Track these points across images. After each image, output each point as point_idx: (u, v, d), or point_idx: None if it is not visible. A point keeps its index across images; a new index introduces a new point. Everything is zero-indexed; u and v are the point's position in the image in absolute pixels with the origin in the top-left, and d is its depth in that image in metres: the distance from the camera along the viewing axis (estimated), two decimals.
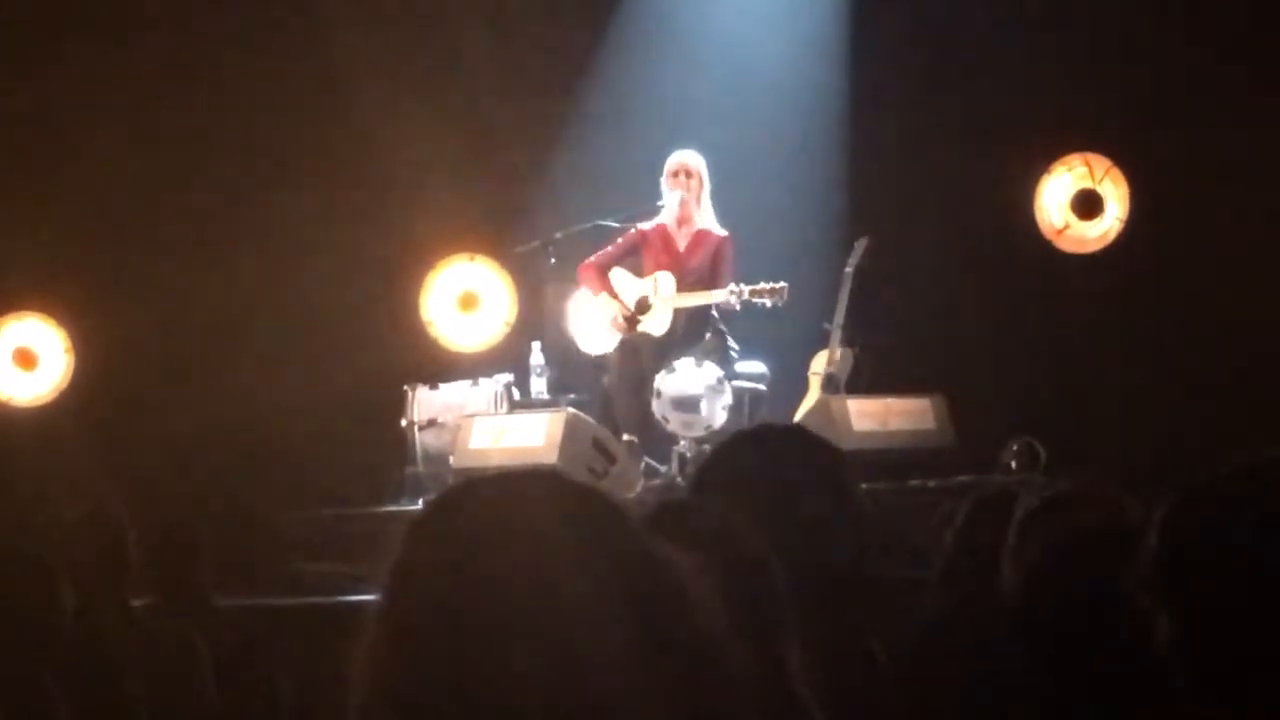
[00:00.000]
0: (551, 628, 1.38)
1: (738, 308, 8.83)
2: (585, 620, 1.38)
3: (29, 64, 9.93)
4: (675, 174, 9.06)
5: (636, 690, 1.38)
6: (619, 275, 9.26)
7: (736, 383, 8.93)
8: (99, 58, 9.86)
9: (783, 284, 8.70)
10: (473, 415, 8.93)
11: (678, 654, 1.42)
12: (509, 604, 1.39)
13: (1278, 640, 1.96)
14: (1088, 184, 10.18)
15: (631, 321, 9.15)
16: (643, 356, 8.91)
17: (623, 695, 1.37)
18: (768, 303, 8.71)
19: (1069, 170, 10.21)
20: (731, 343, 9.09)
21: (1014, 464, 8.84)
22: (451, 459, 8.77)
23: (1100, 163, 10.15)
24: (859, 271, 9.31)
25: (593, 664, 1.37)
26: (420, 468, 9.07)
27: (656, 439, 8.80)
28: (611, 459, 8.54)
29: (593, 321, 9.26)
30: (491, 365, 9.61)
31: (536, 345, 9.29)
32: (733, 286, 8.78)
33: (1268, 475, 2.06)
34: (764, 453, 2.75)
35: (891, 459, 8.49)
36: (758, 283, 8.75)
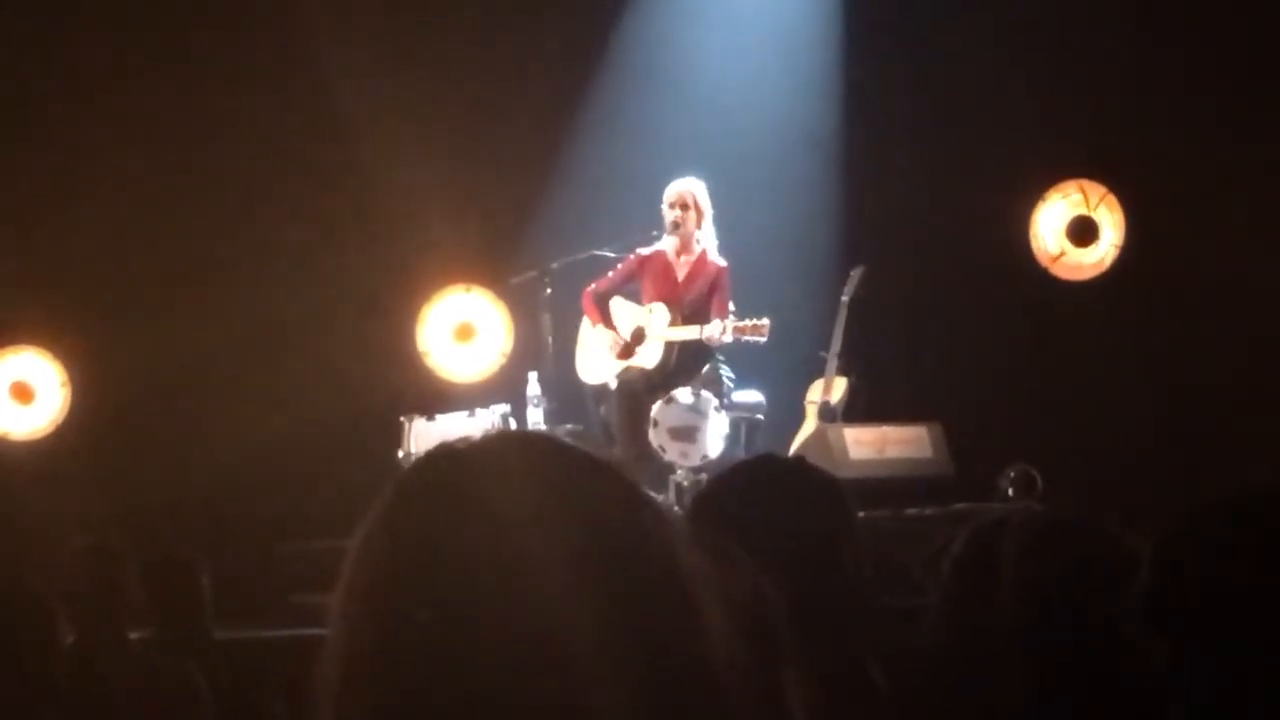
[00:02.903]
0: (522, 617, 1.33)
1: (728, 341, 8.83)
2: (559, 608, 1.33)
3: (27, 99, 9.94)
4: (673, 205, 9.07)
5: (610, 682, 1.32)
6: (617, 304, 9.29)
7: (733, 412, 8.93)
8: (95, 94, 9.86)
9: (765, 320, 8.70)
10: None
11: (662, 645, 1.35)
12: (479, 590, 1.34)
13: (1272, 668, 1.96)
14: (1083, 211, 10.20)
15: (628, 350, 9.17)
16: (638, 388, 8.94)
17: (594, 681, 1.32)
18: (750, 339, 8.72)
19: (1064, 197, 10.23)
20: (728, 372, 9.09)
21: (1011, 491, 8.84)
22: None
23: (1095, 189, 10.17)
24: (855, 301, 9.32)
25: (565, 655, 1.32)
26: None
27: (654, 469, 8.79)
28: None
29: (592, 350, 9.28)
30: (488, 396, 9.60)
31: (533, 376, 9.28)
32: (717, 324, 8.79)
33: (1260, 505, 2.06)
34: (762, 482, 2.76)
35: (889, 487, 8.50)
36: (745, 317, 8.76)
